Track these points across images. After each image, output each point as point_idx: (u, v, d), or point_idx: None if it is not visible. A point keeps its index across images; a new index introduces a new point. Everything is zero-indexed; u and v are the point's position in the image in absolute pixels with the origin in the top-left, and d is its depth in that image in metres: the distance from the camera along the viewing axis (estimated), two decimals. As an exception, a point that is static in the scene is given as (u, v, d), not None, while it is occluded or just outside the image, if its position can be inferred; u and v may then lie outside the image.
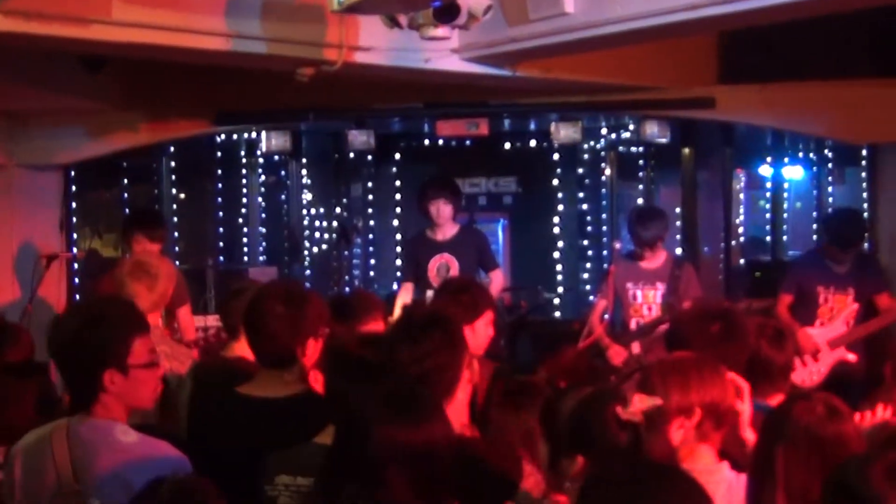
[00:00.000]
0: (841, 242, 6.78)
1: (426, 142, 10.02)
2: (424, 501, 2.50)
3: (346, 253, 10.11)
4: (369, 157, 10.05)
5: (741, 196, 10.29)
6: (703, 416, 2.99)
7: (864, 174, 8.78)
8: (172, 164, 9.43)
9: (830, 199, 9.61)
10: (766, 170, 10.11)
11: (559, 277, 9.88)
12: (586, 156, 10.03)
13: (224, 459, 3.34)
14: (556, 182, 9.95)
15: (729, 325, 3.63)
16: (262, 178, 10.30)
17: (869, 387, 5.48)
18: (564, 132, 8.55)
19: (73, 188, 8.90)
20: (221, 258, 9.85)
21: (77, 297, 8.73)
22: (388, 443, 2.51)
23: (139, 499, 2.57)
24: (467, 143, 9.72)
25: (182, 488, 2.56)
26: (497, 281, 7.45)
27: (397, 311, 7.17)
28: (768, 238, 10.09)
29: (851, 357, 6.62)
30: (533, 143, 9.94)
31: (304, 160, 10.10)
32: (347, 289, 9.88)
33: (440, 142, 9.78)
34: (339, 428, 2.68)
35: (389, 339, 3.26)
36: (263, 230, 10.26)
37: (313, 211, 10.31)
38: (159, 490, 2.54)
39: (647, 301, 6.96)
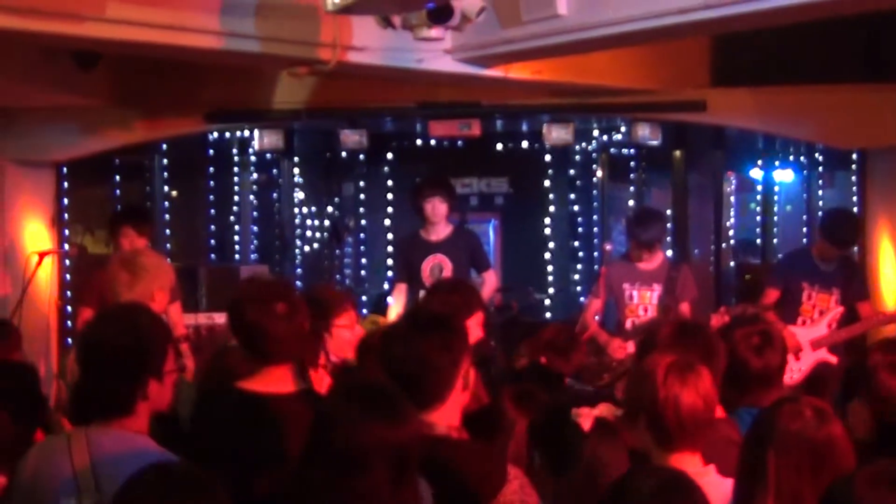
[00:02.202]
0: (835, 240, 6.83)
1: (418, 142, 10.04)
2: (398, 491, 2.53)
3: (337, 252, 10.13)
4: (361, 157, 10.06)
5: (732, 199, 10.32)
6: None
7: (854, 178, 8.83)
8: (165, 161, 9.43)
9: (820, 203, 9.65)
10: (756, 173, 10.15)
11: (550, 278, 9.92)
12: (578, 157, 10.07)
13: (235, 457, 3.35)
14: (547, 183, 9.98)
15: (704, 344, 3.63)
16: (255, 176, 10.30)
17: (844, 389, 5.56)
18: (556, 133, 8.57)
19: (66, 185, 8.89)
20: (213, 256, 9.86)
21: (68, 293, 8.73)
22: (368, 438, 2.52)
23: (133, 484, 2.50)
24: (459, 143, 9.74)
25: (189, 475, 2.52)
26: (490, 282, 7.47)
27: (393, 313, 7.20)
28: (758, 241, 10.13)
29: (832, 359, 6.69)
30: (525, 144, 9.96)
31: (296, 159, 10.10)
32: (338, 288, 9.90)
33: (432, 142, 9.80)
34: (315, 423, 2.67)
35: (390, 335, 3.28)
36: (255, 228, 10.26)
37: (305, 210, 10.32)
38: (162, 474, 2.50)
39: (644, 302, 7.00)
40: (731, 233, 10.18)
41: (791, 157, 9.92)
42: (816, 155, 9.59)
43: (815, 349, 6.68)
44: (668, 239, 9.25)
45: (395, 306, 7.24)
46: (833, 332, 6.75)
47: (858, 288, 7.00)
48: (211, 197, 9.94)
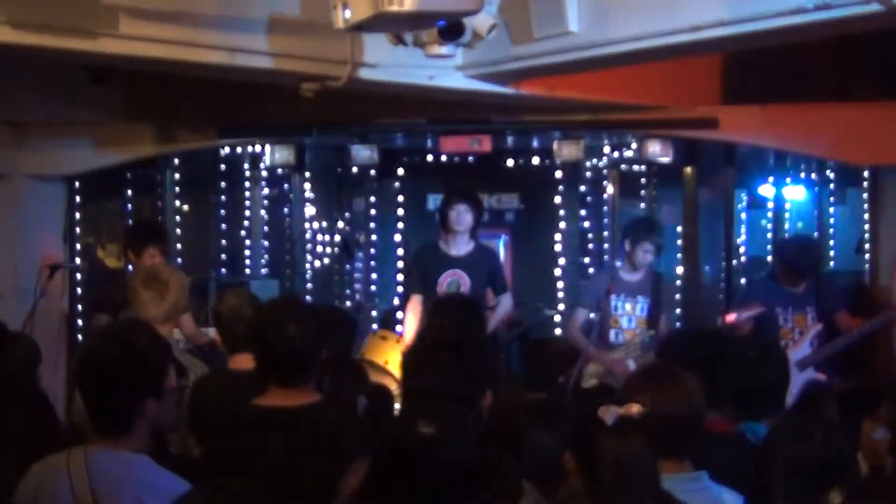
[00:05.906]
0: (799, 270, 7.01)
1: (429, 157, 10.02)
2: None
3: (347, 267, 10.14)
4: (372, 172, 10.05)
5: (743, 216, 10.30)
6: None
7: (865, 195, 8.81)
8: (176, 175, 9.46)
9: (832, 220, 9.64)
10: (767, 190, 10.13)
11: (560, 295, 9.89)
12: (588, 174, 10.05)
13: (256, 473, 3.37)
14: (558, 199, 9.97)
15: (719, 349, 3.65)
16: (266, 191, 10.32)
17: (844, 402, 5.57)
18: (567, 150, 8.57)
19: (77, 199, 8.93)
20: (223, 270, 9.87)
21: (80, 307, 8.75)
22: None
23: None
24: (470, 159, 9.73)
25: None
26: (506, 304, 7.40)
27: (409, 326, 7.12)
28: (769, 258, 10.09)
29: (820, 376, 6.71)
30: (535, 160, 9.96)
31: (307, 174, 10.10)
32: (348, 303, 9.91)
33: (443, 158, 9.79)
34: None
35: (409, 358, 3.32)
36: (266, 243, 10.28)
37: (316, 224, 10.32)
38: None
39: (628, 313, 7.04)
40: (742, 250, 10.16)
41: (802, 174, 9.90)
42: (828, 172, 9.58)
43: (802, 370, 6.69)
44: (679, 255, 9.28)
45: (411, 320, 7.13)
46: (817, 350, 6.79)
47: (832, 300, 7.11)
48: (222, 211, 9.96)
